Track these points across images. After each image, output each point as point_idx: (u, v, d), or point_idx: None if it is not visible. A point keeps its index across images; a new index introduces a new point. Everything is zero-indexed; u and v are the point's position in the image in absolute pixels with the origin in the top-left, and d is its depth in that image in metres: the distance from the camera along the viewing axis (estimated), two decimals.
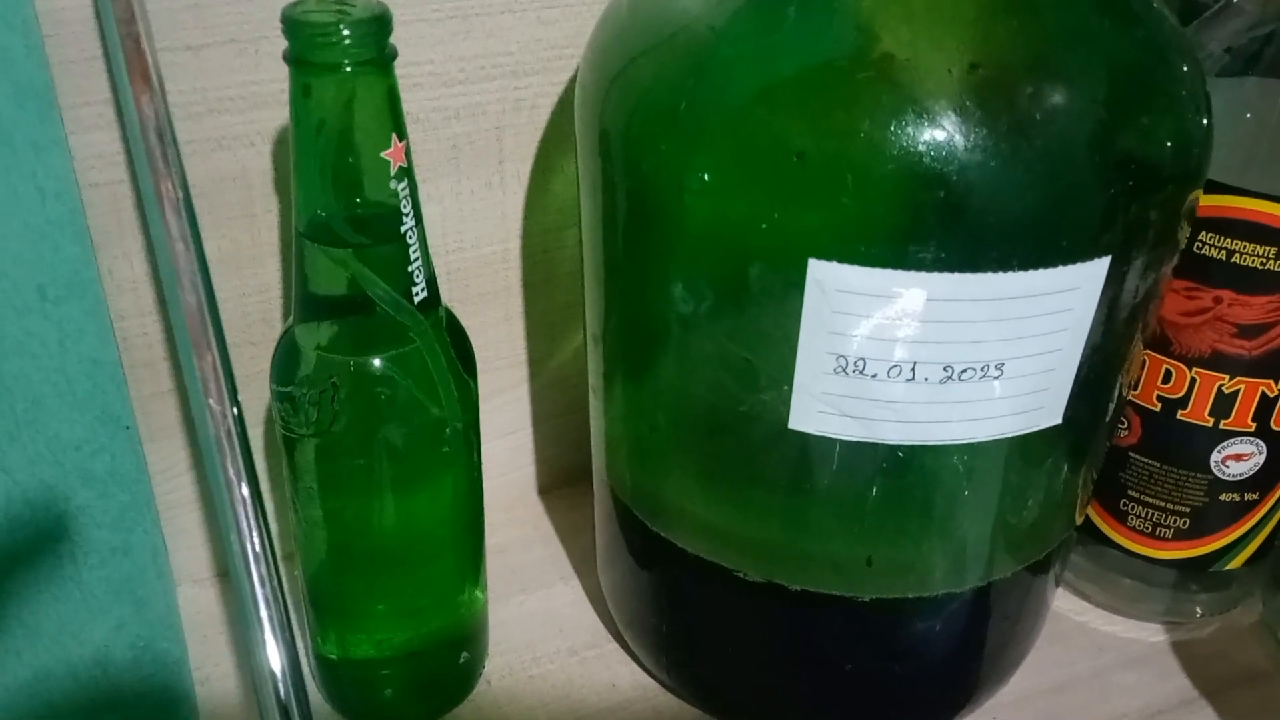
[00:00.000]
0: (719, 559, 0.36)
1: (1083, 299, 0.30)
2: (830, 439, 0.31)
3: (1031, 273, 0.28)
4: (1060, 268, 0.29)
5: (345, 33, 0.29)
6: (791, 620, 0.36)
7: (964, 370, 0.30)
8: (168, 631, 0.48)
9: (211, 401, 0.35)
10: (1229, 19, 0.37)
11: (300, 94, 0.30)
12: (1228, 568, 0.43)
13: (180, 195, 0.34)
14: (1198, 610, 0.44)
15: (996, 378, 0.30)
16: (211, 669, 0.43)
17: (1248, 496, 0.41)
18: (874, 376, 0.30)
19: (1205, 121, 0.32)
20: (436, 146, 0.40)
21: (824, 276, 0.29)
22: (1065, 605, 0.46)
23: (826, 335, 0.30)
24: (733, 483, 0.35)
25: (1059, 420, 0.32)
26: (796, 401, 0.31)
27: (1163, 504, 0.42)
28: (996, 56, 0.29)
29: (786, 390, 0.31)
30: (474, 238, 0.43)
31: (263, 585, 0.36)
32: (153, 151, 0.33)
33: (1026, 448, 0.32)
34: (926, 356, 0.29)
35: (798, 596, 0.35)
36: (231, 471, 0.36)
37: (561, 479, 0.51)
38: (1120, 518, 0.43)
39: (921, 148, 0.27)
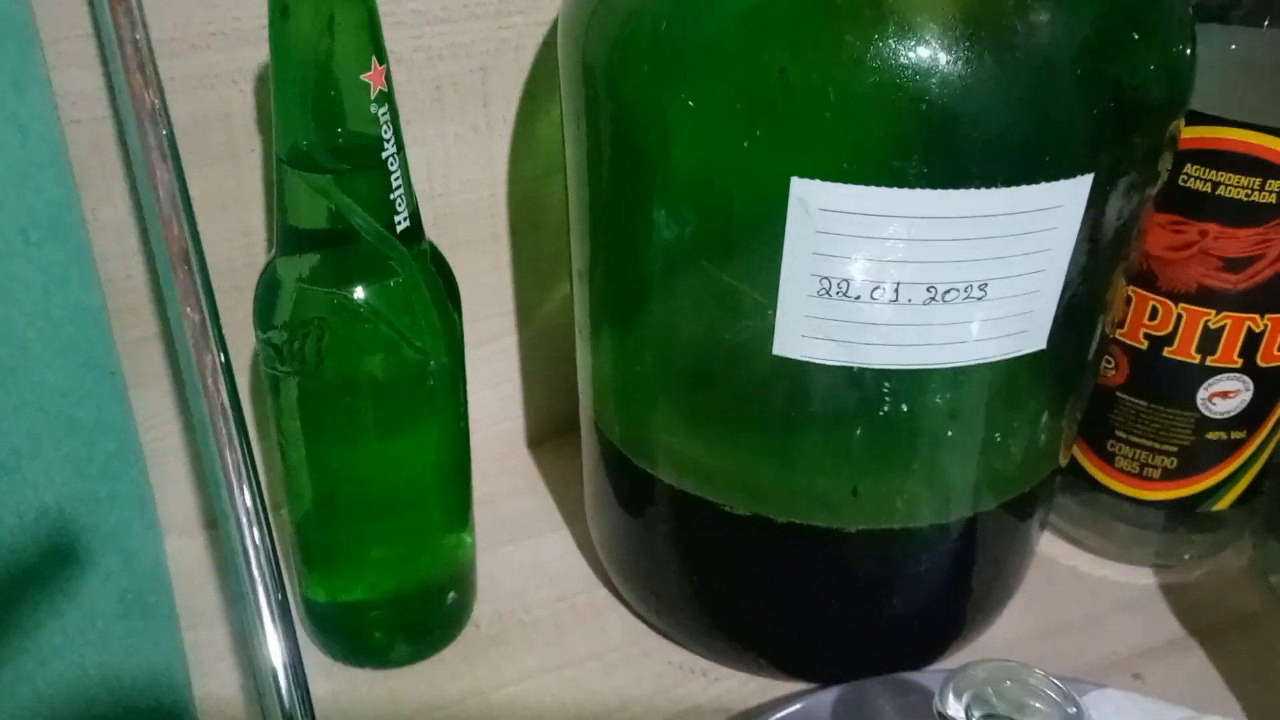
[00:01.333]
0: (706, 494, 0.36)
1: (1066, 218, 0.29)
2: (815, 365, 0.31)
3: (1015, 189, 0.28)
4: (1043, 185, 0.29)
5: None
6: (778, 554, 0.36)
7: (948, 291, 0.30)
8: (156, 584, 0.48)
9: (199, 355, 0.35)
10: None
11: (279, 15, 0.30)
12: (1216, 509, 0.43)
13: (165, 133, 0.34)
14: (1187, 553, 0.44)
15: (980, 299, 0.30)
16: (199, 621, 0.43)
17: (1234, 435, 0.41)
18: (857, 299, 0.30)
19: (1189, 51, 0.32)
20: (421, 88, 0.40)
21: (807, 195, 0.28)
22: (1056, 550, 0.46)
23: (810, 257, 0.29)
24: (719, 415, 0.35)
25: (1043, 345, 0.32)
26: (781, 326, 0.31)
27: (1150, 444, 0.42)
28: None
29: (771, 316, 0.31)
30: (460, 183, 0.43)
31: (258, 558, 0.35)
32: (136, 87, 0.33)
33: (1011, 375, 0.32)
34: (910, 277, 0.29)
35: (784, 529, 0.35)
36: (224, 432, 0.35)
37: (551, 430, 0.51)
38: (1108, 459, 0.43)
39: (904, 63, 0.27)
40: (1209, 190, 0.37)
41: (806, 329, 0.31)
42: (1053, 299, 0.31)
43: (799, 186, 0.28)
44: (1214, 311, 0.38)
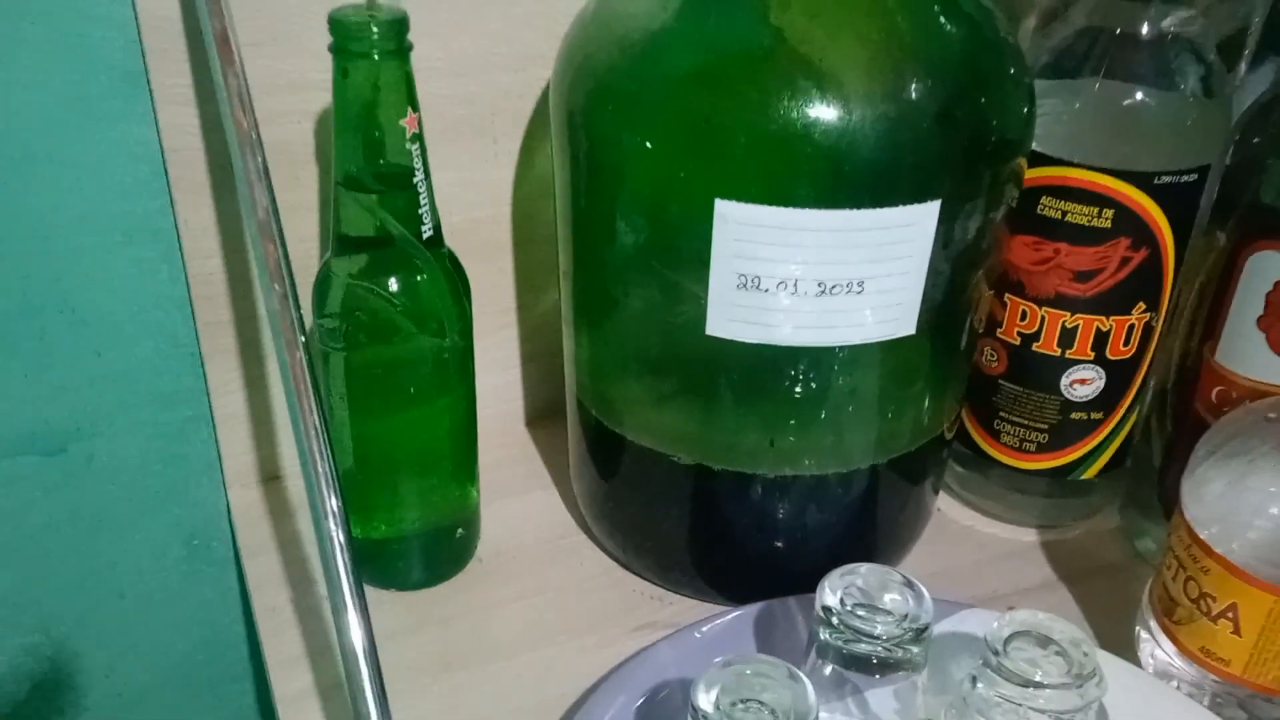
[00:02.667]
0: (660, 448, 0.46)
1: (921, 233, 0.39)
2: (738, 342, 0.41)
3: (880, 210, 0.38)
4: (901, 207, 0.39)
5: (375, 30, 0.39)
6: (715, 496, 0.46)
7: (834, 286, 0.40)
8: (218, 531, 0.58)
9: (284, 325, 0.42)
10: (1063, 28, 0.46)
11: (340, 75, 0.40)
12: (1084, 477, 0.52)
13: (260, 158, 0.43)
14: (1065, 515, 0.54)
15: (859, 293, 0.40)
16: (259, 563, 0.52)
17: (1093, 415, 0.51)
18: (766, 291, 0.40)
19: (1025, 109, 0.42)
20: (441, 126, 0.50)
21: (727, 212, 0.39)
22: (955, 513, 0.55)
23: (731, 259, 0.39)
24: (668, 382, 0.45)
25: (912, 330, 0.42)
26: (711, 312, 0.41)
27: (1026, 422, 0.51)
28: (855, 48, 0.39)
29: (704, 303, 0.41)
30: (471, 203, 0.53)
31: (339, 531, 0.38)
32: (239, 122, 0.41)
33: (889, 353, 0.42)
34: (804, 275, 0.39)
35: (719, 475, 0.45)
36: (304, 388, 0.40)
37: (545, 411, 0.61)
38: (994, 435, 0.52)
39: (796, 116, 0.37)
40: (1060, 217, 0.46)
41: (731, 314, 0.41)
42: (917, 293, 0.41)
43: (721, 206, 0.38)
44: (1069, 314, 0.48)
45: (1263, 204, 0.44)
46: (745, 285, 0.40)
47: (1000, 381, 0.51)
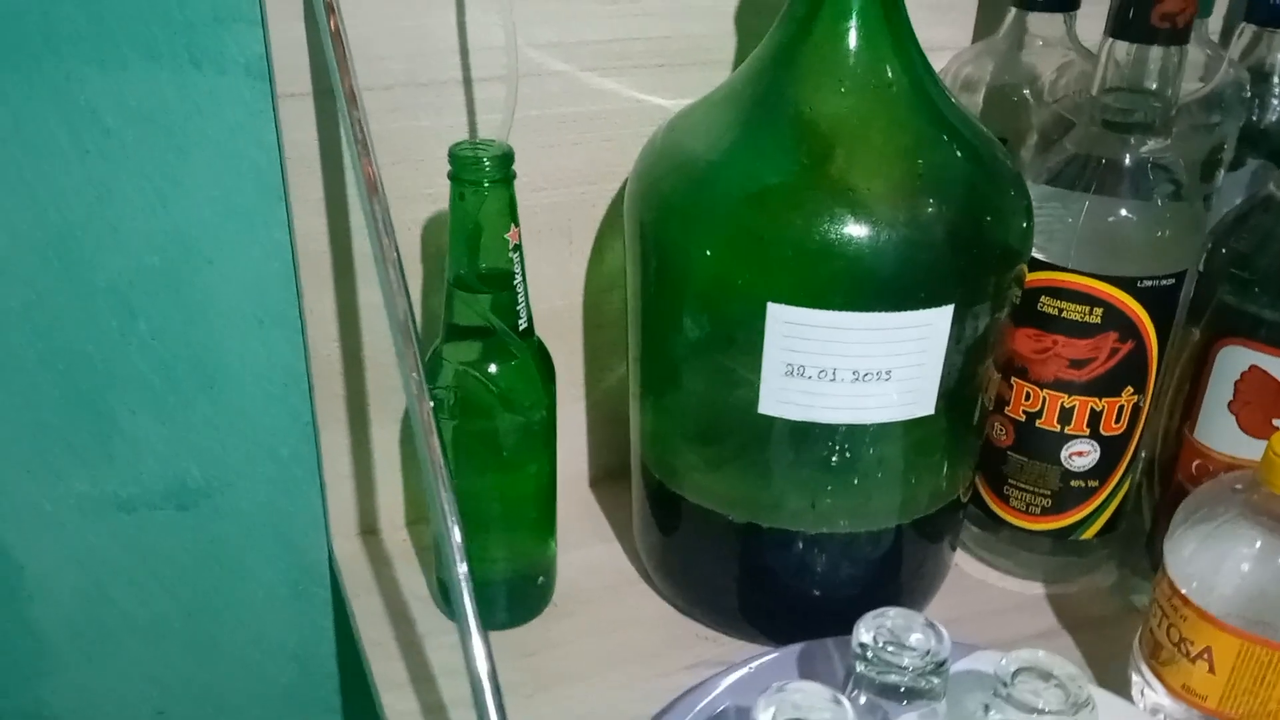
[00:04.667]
0: (715, 507, 0.53)
1: (937, 330, 0.47)
2: (785, 420, 0.49)
3: (904, 313, 0.47)
4: (921, 310, 0.47)
5: (486, 164, 0.48)
6: (763, 549, 0.53)
7: (866, 374, 0.48)
8: (320, 578, 0.66)
9: (420, 399, 0.47)
10: (1059, 153, 0.55)
11: (458, 198, 0.49)
12: (1083, 538, 0.60)
13: (397, 257, 0.50)
14: (1068, 572, 0.61)
15: (887, 380, 0.48)
16: (363, 602, 0.59)
17: (1090, 483, 0.58)
18: (810, 378, 0.48)
19: (1025, 225, 0.50)
20: (526, 230, 0.58)
21: (778, 314, 0.47)
22: (971, 568, 0.63)
23: (780, 351, 0.48)
24: (723, 452, 0.53)
25: (931, 410, 0.50)
26: (764, 393, 0.49)
27: (1031, 489, 0.59)
28: (884, 182, 0.47)
29: (757, 386, 0.49)
30: (549, 294, 0.61)
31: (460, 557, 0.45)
32: (379, 232, 0.49)
33: (912, 430, 0.50)
34: (841, 365, 0.47)
35: (767, 532, 0.53)
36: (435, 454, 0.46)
37: (606, 474, 0.69)
38: (1004, 499, 0.60)
39: (834, 237, 0.45)
40: (1057, 314, 0.54)
41: (780, 397, 0.49)
42: (935, 380, 0.49)
43: (773, 309, 0.47)
44: (1067, 395, 0.56)
45: (1229, 306, 0.52)
46: (792, 373, 0.48)
47: (1009, 453, 0.59)
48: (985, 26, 0.65)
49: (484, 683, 0.43)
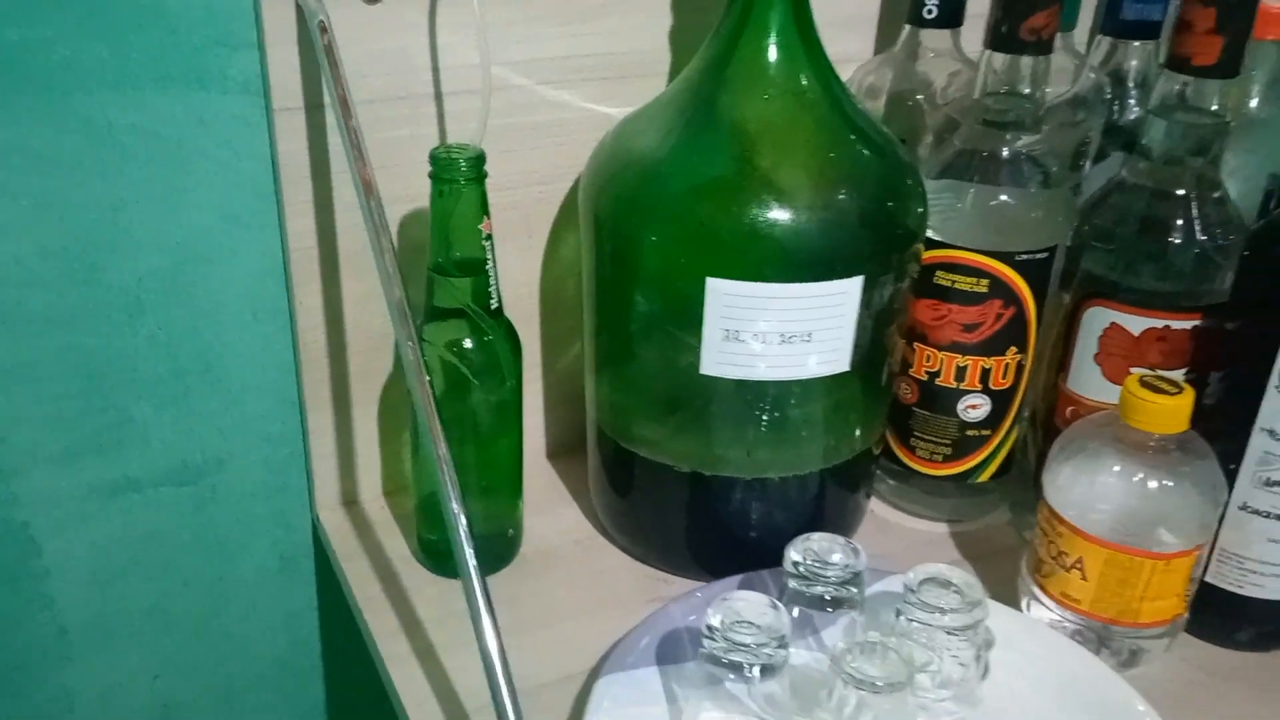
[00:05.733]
0: (663, 459, 0.61)
1: (850, 299, 0.56)
2: (724, 379, 0.57)
3: (823, 283, 0.55)
4: (837, 281, 0.55)
5: (462, 165, 0.55)
6: (708, 496, 0.62)
7: (791, 336, 0.56)
8: (306, 551, 0.72)
9: (419, 375, 0.54)
10: (949, 148, 0.64)
11: (437, 195, 0.56)
12: (980, 480, 0.69)
13: (392, 247, 0.57)
14: (970, 512, 0.70)
15: (808, 341, 0.56)
16: (354, 565, 0.66)
17: (983, 432, 0.67)
18: (744, 341, 0.56)
19: (920, 210, 0.59)
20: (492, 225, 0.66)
21: (716, 287, 0.55)
22: (887, 514, 0.72)
23: (719, 319, 0.56)
24: (670, 410, 0.61)
25: (847, 367, 0.58)
26: (704, 356, 0.57)
27: (933, 439, 0.68)
28: (803, 173, 0.56)
29: (699, 350, 0.57)
30: (512, 282, 0.69)
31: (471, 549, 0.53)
32: (375, 228, 0.56)
33: (831, 385, 0.59)
34: (770, 329, 0.56)
35: (709, 479, 0.61)
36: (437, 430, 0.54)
37: (562, 447, 0.76)
38: (911, 450, 0.69)
39: (762, 221, 0.54)
40: (950, 285, 0.64)
41: (719, 358, 0.57)
42: (849, 340, 0.57)
43: (711, 282, 0.55)
44: (961, 356, 0.65)
45: (1092, 273, 0.61)
46: (728, 338, 0.56)
47: (914, 409, 0.68)
48: (885, 40, 0.74)
49: (486, 623, 0.50)
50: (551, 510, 0.71)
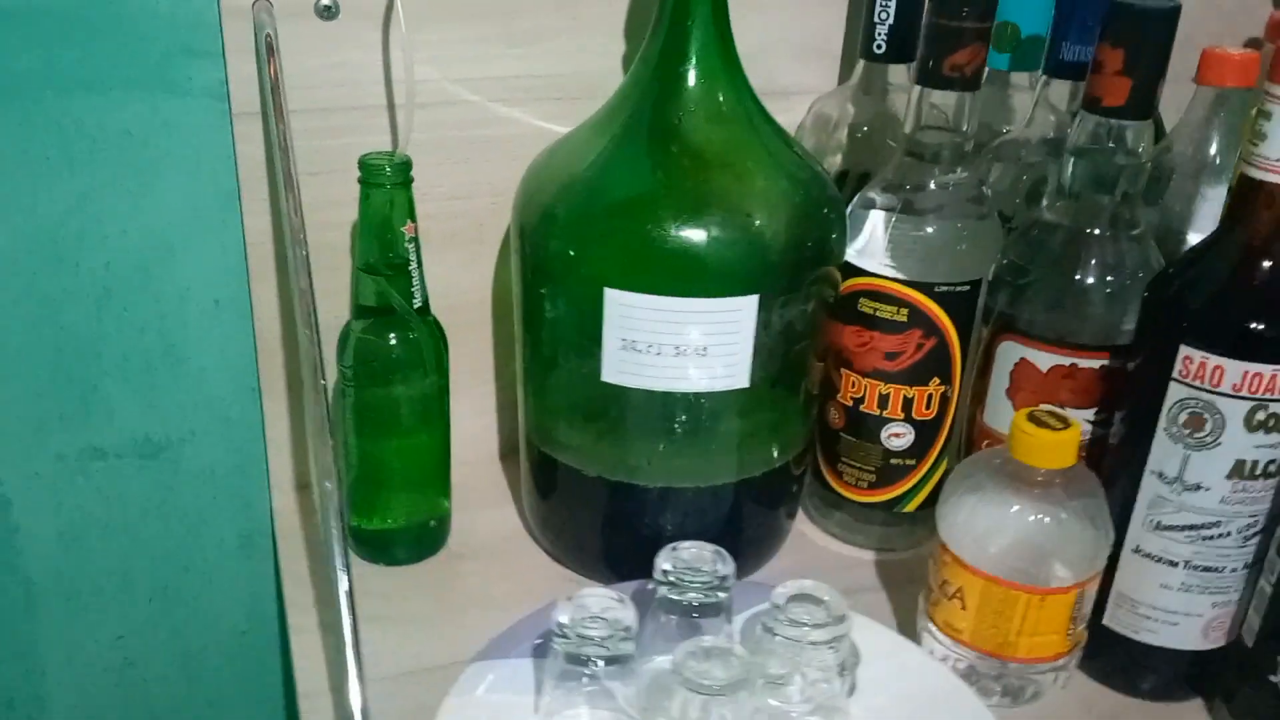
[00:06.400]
0: (572, 463, 0.64)
1: (745, 316, 0.58)
2: (622, 386, 0.60)
3: (717, 299, 0.57)
4: (731, 298, 0.57)
5: (388, 170, 0.59)
6: (614, 502, 0.64)
7: (685, 349, 0.58)
8: (264, 530, 0.77)
9: (314, 380, 0.61)
10: (879, 180, 0.65)
11: (365, 198, 0.60)
12: (906, 510, 0.69)
13: (305, 252, 0.62)
14: (896, 541, 0.71)
15: (703, 355, 0.58)
16: (291, 556, 0.70)
17: (908, 461, 0.68)
18: (640, 351, 0.58)
19: (835, 235, 0.61)
20: (444, 233, 0.70)
21: (613, 297, 0.57)
22: (815, 536, 0.73)
23: (617, 328, 0.58)
24: (582, 417, 0.63)
25: (746, 384, 0.60)
26: (605, 363, 0.59)
27: (859, 465, 0.69)
28: (707, 191, 0.58)
29: (600, 356, 0.59)
30: (464, 289, 0.72)
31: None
32: (294, 231, 0.61)
33: (728, 399, 0.60)
34: (665, 341, 0.58)
35: (613, 485, 0.63)
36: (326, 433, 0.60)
37: (513, 449, 0.79)
38: (839, 475, 0.70)
39: (660, 236, 0.56)
40: (873, 313, 0.64)
41: (618, 367, 0.59)
42: (746, 358, 0.59)
43: (609, 293, 0.57)
44: (884, 383, 0.66)
45: (1004, 308, 0.62)
46: (626, 347, 0.58)
47: (841, 434, 0.69)
48: (848, 74, 0.75)
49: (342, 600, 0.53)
50: (491, 508, 0.74)
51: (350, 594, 0.54)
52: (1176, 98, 0.69)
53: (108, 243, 0.65)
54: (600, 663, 0.51)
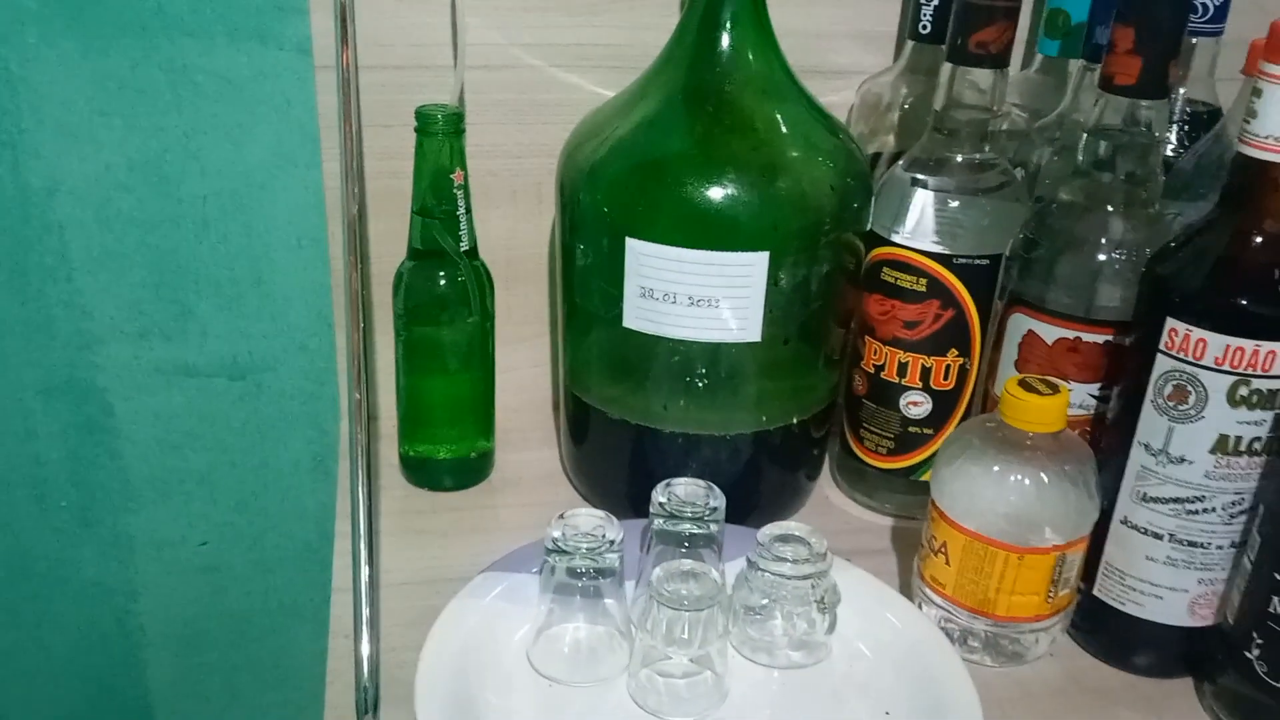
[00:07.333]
0: (600, 406, 0.68)
1: (756, 271, 0.61)
2: (643, 332, 0.64)
3: (730, 254, 0.61)
4: (743, 253, 0.61)
5: (440, 120, 0.65)
6: (636, 443, 0.68)
7: (700, 299, 0.62)
8: (335, 456, 0.84)
9: (353, 309, 0.68)
10: (911, 154, 0.67)
11: (419, 145, 0.66)
12: (923, 478, 0.71)
13: (359, 192, 0.69)
14: (915, 508, 0.73)
15: (716, 306, 0.62)
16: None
17: (925, 430, 0.70)
18: (658, 299, 0.62)
19: (856, 204, 0.63)
20: (506, 190, 0.75)
21: (634, 247, 0.62)
22: (838, 500, 0.75)
23: (637, 276, 0.62)
24: (605, 360, 0.68)
25: (757, 338, 0.63)
26: (626, 310, 0.64)
27: (879, 432, 0.71)
28: (730, 153, 0.62)
29: (622, 305, 0.64)
30: (525, 242, 0.78)
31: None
32: (351, 173, 0.68)
33: (744, 352, 0.64)
34: (682, 290, 0.62)
35: (635, 428, 0.67)
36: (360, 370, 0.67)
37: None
38: (860, 440, 0.72)
39: (691, 193, 0.60)
40: (894, 282, 0.67)
41: (637, 314, 0.63)
42: (758, 313, 0.62)
43: (630, 243, 0.62)
44: (903, 352, 0.68)
45: (1016, 281, 0.63)
46: (644, 294, 0.63)
47: (863, 400, 0.71)
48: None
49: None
50: (535, 449, 0.79)
51: (370, 510, 0.60)
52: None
53: (206, 175, 0.73)
54: (592, 574, 0.56)
